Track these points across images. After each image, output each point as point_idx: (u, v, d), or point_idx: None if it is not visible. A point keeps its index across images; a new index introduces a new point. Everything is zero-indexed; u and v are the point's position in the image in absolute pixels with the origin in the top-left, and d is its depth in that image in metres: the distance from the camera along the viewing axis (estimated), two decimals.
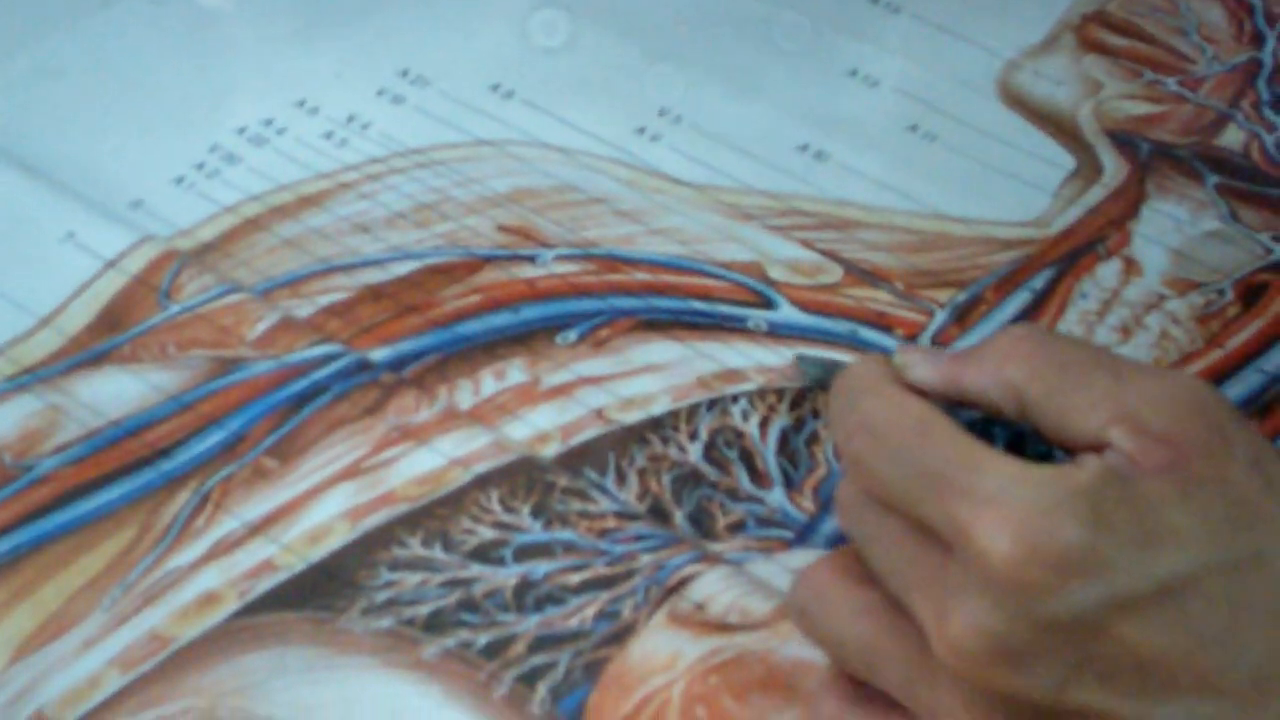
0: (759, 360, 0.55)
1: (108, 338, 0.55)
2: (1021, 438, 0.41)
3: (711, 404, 0.54)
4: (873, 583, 0.42)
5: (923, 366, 0.43)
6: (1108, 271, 0.59)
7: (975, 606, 0.39)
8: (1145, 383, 0.41)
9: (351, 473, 0.52)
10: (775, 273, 0.58)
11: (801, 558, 0.50)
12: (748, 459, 0.52)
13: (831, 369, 0.43)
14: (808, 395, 0.54)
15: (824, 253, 0.59)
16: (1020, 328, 0.43)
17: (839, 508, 0.43)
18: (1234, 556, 0.39)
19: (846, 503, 0.42)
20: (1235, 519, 0.39)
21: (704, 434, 0.53)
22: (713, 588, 0.49)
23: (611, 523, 0.51)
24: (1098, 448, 0.40)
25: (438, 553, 0.50)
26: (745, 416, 0.54)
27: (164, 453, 0.52)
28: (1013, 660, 0.39)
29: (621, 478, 0.52)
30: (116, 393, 0.54)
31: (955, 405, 0.42)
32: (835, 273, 0.58)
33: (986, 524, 0.38)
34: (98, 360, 0.55)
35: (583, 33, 0.67)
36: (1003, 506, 0.38)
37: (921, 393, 0.42)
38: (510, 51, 0.66)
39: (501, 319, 0.56)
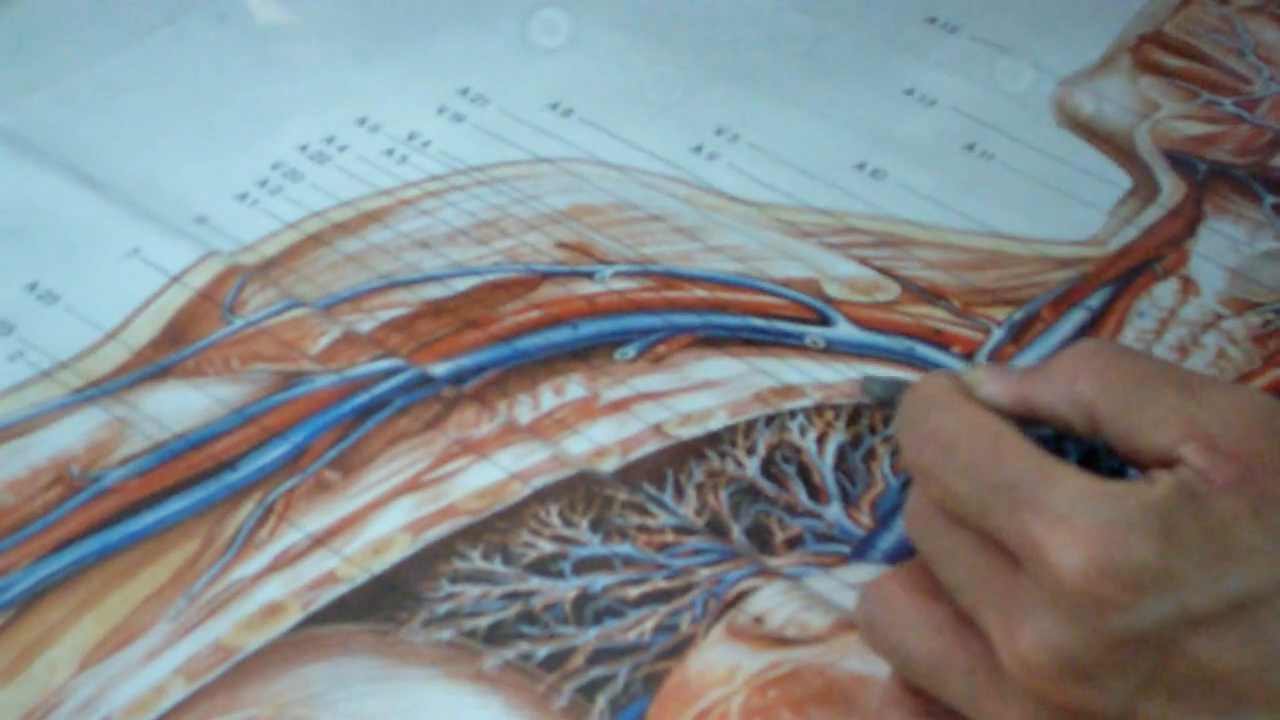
0: (816, 376, 0.56)
1: (172, 351, 0.56)
2: (1094, 454, 0.41)
3: (769, 420, 0.54)
4: (940, 596, 0.42)
5: (992, 384, 0.43)
6: (1165, 291, 0.59)
7: (1046, 622, 0.39)
8: (1216, 398, 0.40)
9: (413, 486, 0.52)
10: (832, 290, 0.59)
11: (859, 573, 0.50)
12: (805, 474, 0.53)
13: (898, 389, 0.44)
14: (864, 411, 0.54)
15: (881, 270, 0.59)
16: (1090, 343, 0.43)
17: (907, 520, 0.43)
18: None
19: (915, 516, 0.43)
20: None
21: (762, 449, 0.53)
22: (771, 602, 0.49)
23: (670, 537, 0.51)
24: (1169, 463, 0.40)
25: (498, 565, 0.50)
26: (803, 432, 0.54)
27: (228, 465, 0.53)
28: (1082, 676, 0.39)
29: (680, 492, 0.52)
30: (181, 406, 0.54)
31: (1026, 422, 0.42)
32: (892, 290, 0.59)
33: (1059, 539, 0.39)
34: (162, 374, 0.55)
35: (640, 52, 0.67)
36: (1075, 522, 0.39)
37: (992, 411, 0.42)
38: (569, 70, 0.66)
39: (561, 334, 0.57)
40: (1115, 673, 0.39)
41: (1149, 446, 0.40)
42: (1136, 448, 0.41)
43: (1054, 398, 0.42)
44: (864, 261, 0.59)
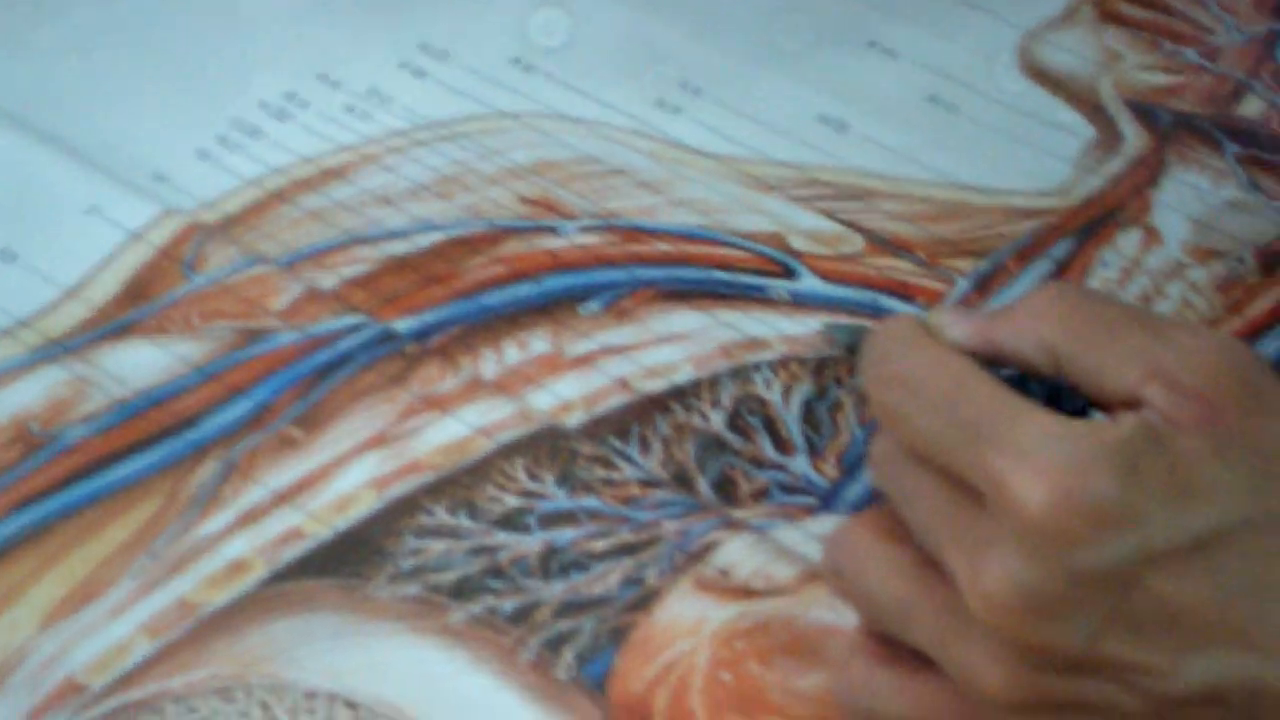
0: (781, 329, 0.55)
1: (133, 309, 0.56)
2: (1058, 394, 0.41)
3: (734, 373, 0.54)
4: (905, 540, 0.42)
5: (957, 326, 0.43)
6: (1128, 240, 0.59)
7: (1009, 558, 0.39)
8: (1180, 339, 0.41)
9: (377, 442, 0.52)
10: (797, 243, 0.58)
11: (826, 524, 0.50)
12: (771, 427, 0.53)
13: (862, 334, 0.44)
14: (829, 364, 0.54)
15: (845, 223, 0.59)
16: (1054, 285, 0.44)
17: (872, 463, 0.43)
18: (1267, 512, 0.39)
19: (880, 458, 0.43)
20: (1268, 474, 0.39)
21: (727, 402, 0.53)
22: (737, 554, 0.49)
23: (635, 490, 0.51)
24: (1133, 404, 0.40)
25: (463, 520, 0.50)
26: (768, 385, 0.54)
27: (190, 422, 0.52)
28: (1046, 612, 0.39)
29: (645, 446, 0.52)
30: (142, 363, 0.54)
31: (992, 363, 0.42)
32: (856, 243, 0.58)
33: (1021, 477, 0.39)
34: (123, 331, 0.55)
35: (603, 7, 0.67)
36: (1038, 459, 0.39)
37: (957, 351, 0.42)
38: (531, 24, 0.66)
39: (524, 289, 0.57)
40: (1078, 608, 0.39)
41: (1112, 387, 0.40)
42: (1100, 388, 0.41)
43: (1018, 339, 0.42)
44: (828, 214, 0.59)
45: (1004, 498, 0.39)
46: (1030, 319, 0.42)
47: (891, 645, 0.43)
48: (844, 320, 0.55)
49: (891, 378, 0.42)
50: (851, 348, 0.44)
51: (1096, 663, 0.39)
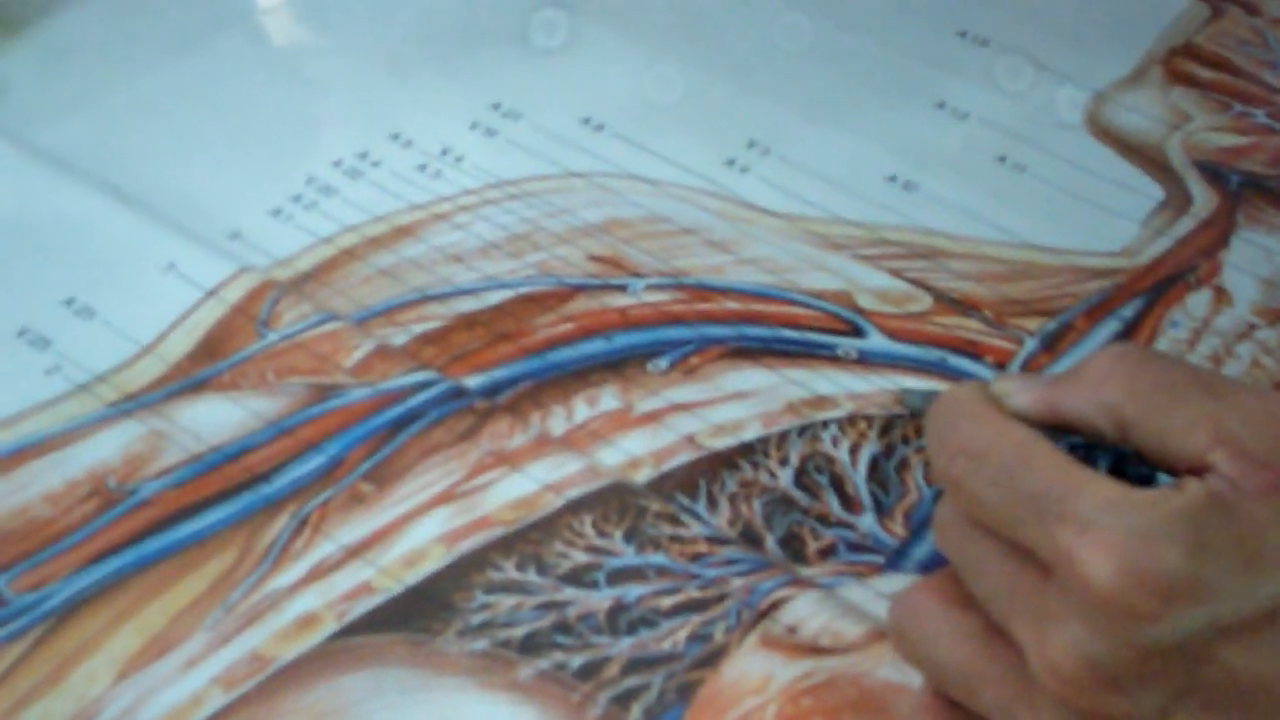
0: (849, 387, 0.56)
1: (208, 365, 0.56)
2: (1123, 460, 0.41)
3: (802, 430, 0.54)
4: (971, 606, 0.42)
5: (1021, 394, 0.42)
6: (1198, 301, 0.59)
7: (1077, 631, 0.39)
8: (1244, 402, 0.40)
9: (447, 497, 0.52)
10: (864, 301, 0.59)
11: (893, 582, 0.50)
12: (838, 484, 0.53)
13: (933, 401, 0.44)
14: (897, 422, 0.54)
15: (913, 281, 0.59)
16: (1117, 346, 0.43)
17: (937, 530, 0.43)
18: None
19: (945, 526, 0.43)
20: None
21: (795, 460, 0.54)
22: (804, 611, 0.49)
23: (703, 547, 0.51)
24: (1199, 469, 0.40)
25: (532, 576, 0.50)
26: (835, 443, 0.54)
27: (263, 477, 0.53)
28: (1115, 685, 0.39)
29: (713, 503, 0.52)
30: (217, 419, 0.55)
31: (1056, 430, 0.42)
32: (925, 301, 0.59)
33: (1088, 549, 0.38)
34: (198, 387, 0.56)
35: (672, 66, 0.68)
36: (1104, 531, 0.38)
37: (1021, 420, 0.42)
38: (601, 85, 0.67)
39: (594, 346, 0.57)
40: (1147, 682, 0.39)
41: (1178, 452, 0.40)
42: (1166, 453, 0.41)
43: (1082, 404, 0.42)
44: (896, 273, 0.60)
45: (1070, 570, 0.39)
46: (1094, 383, 0.42)
47: (956, 707, 0.43)
48: (917, 386, 0.55)
49: (956, 449, 0.41)
50: (922, 413, 0.44)
51: None
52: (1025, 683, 0.40)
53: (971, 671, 0.42)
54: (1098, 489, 0.39)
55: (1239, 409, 0.40)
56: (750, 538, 0.51)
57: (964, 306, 0.58)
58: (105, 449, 0.54)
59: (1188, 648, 0.38)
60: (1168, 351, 0.57)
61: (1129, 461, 0.41)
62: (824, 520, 0.52)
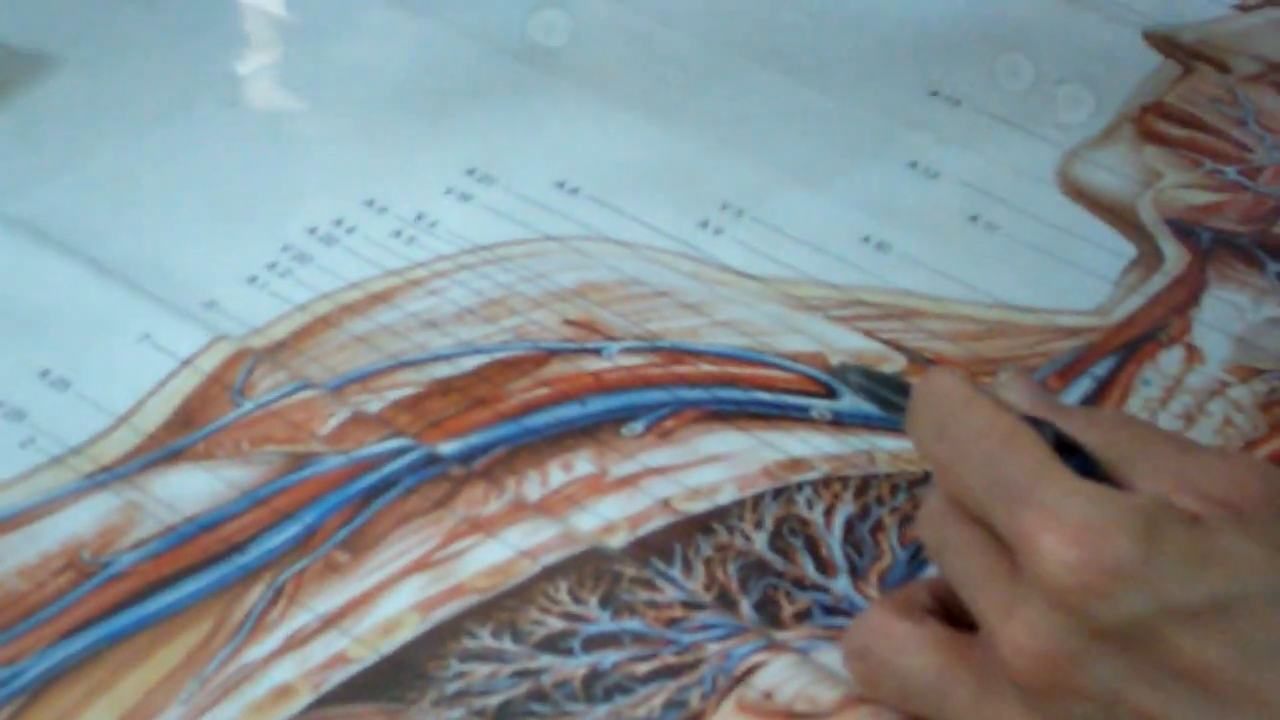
0: (823, 449, 0.56)
1: (183, 435, 0.56)
2: (1094, 469, 0.43)
3: (777, 493, 0.54)
4: (931, 616, 0.45)
5: (1018, 394, 0.46)
6: (1170, 359, 0.59)
7: (1037, 609, 0.41)
8: (1210, 459, 0.43)
9: (422, 565, 0.52)
10: (838, 363, 0.59)
11: None
12: (813, 547, 0.53)
13: (877, 378, 0.47)
14: (873, 483, 0.55)
15: (887, 342, 0.59)
16: (1109, 409, 0.49)
17: (922, 518, 0.45)
18: None
19: (929, 513, 0.45)
20: None
21: (769, 523, 0.54)
22: (780, 676, 0.49)
23: (679, 612, 0.51)
24: None
25: (507, 644, 0.50)
26: (810, 505, 0.54)
27: (238, 547, 0.53)
28: (1071, 662, 0.41)
29: (688, 567, 0.52)
30: (192, 489, 0.55)
31: (1040, 422, 0.44)
32: (898, 362, 0.59)
33: (1046, 533, 0.41)
34: (173, 457, 0.56)
35: (643, 128, 0.68)
36: (1064, 517, 0.41)
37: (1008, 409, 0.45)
38: (575, 149, 0.67)
39: (569, 411, 0.57)
40: (1100, 661, 0.41)
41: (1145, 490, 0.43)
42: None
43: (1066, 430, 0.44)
44: (870, 334, 0.60)
45: (1030, 552, 0.41)
46: (1080, 427, 0.44)
47: None
48: (851, 361, 0.57)
49: (944, 432, 0.44)
50: (868, 392, 0.48)
51: (1123, 716, 0.41)
52: (992, 681, 0.42)
53: (942, 676, 0.44)
54: (1064, 480, 0.42)
55: (1204, 463, 0.43)
56: (726, 602, 0.51)
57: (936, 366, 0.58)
58: (80, 521, 0.54)
59: (1138, 629, 0.40)
60: (1143, 414, 0.57)
61: (1098, 471, 0.43)
62: (799, 584, 0.52)
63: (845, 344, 0.59)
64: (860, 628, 0.46)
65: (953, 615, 0.46)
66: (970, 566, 0.43)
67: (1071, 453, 0.43)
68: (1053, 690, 0.41)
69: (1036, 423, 0.44)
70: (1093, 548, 0.40)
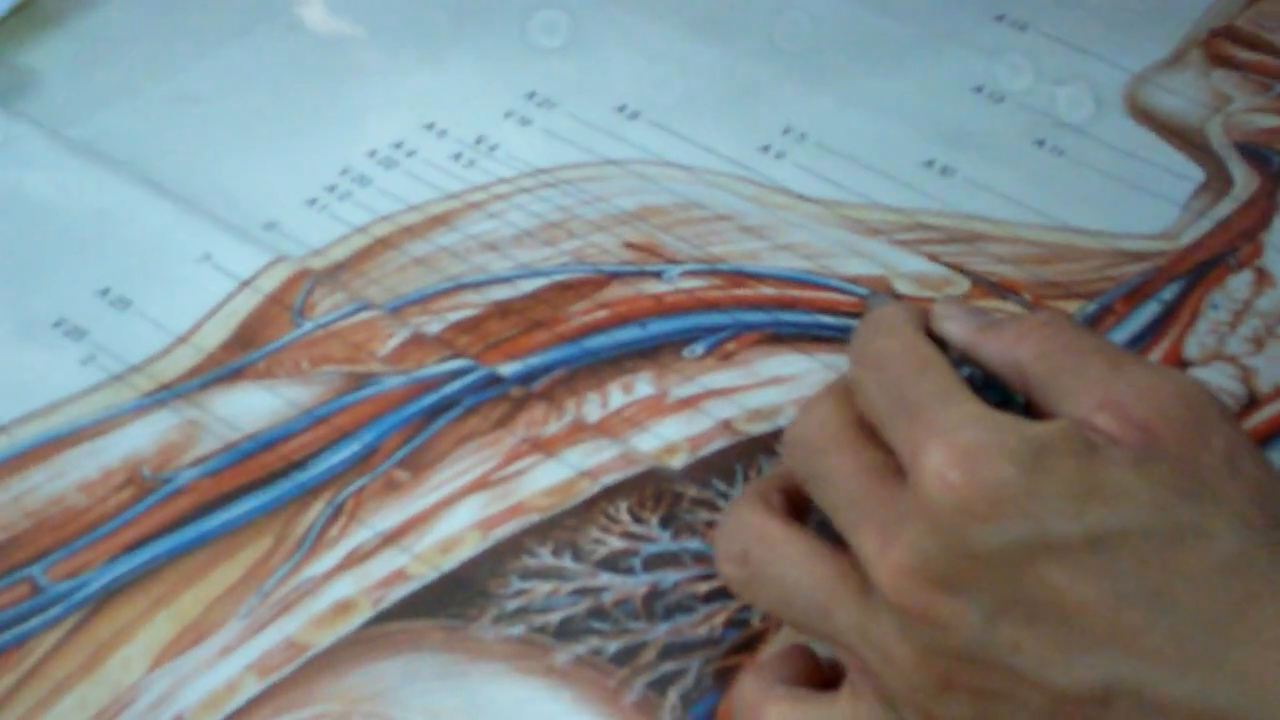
0: None
1: (243, 355, 0.56)
2: (1009, 404, 0.43)
3: None
4: (801, 526, 0.44)
5: (952, 321, 0.45)
6: (1239, 283, 0.58)
7: (914, 530, 0.40)
8: (1140, 374, 0.42)
9: (482, 484, 0.52)
10: (901, 286, 0.58)
11: None
12: None
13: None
14: None
15: (950, 266, 0.59)
16: (1043, 314, 0.46)
17: (792, 445, 0.45)
18: (1175, 524, 0.40)
19: (795, 441, 0.44)
20: (1185, 490, 0.40)
21: None
22: None
23: None
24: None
25: (567, 562, 0.50)
26: None
27: (299, 465, 0.53)
28: (944, 586, 0.40)
29: None
30: (252, 407, 0.55)
31: (965, 361, 0.44)
32: (962, 285, 0.58)
33: (935, 450, 0.40)
34: (234, 376, 0.56)
35: (705, 53, 0.67)
36: (954, 437, 0.40)
37: (940, 342, 0.44)
38: (636, 73, 0.66)
39: (628, 333, 0.57)
40: (974, 587, 0.40)
41: (1067, 411, 0.42)
42: (1056, 411, 0.42)
43: (996, 354, 0.44)
44: (933, 258, 0.59)
45: (916, 469, 0.41)
46: (1011, 339, 0.44)
47: (786, 666, 0.45)
48: (883, 295, 0.57)
49: (866, 355, 0.44)
50: None
51: (994, 646, 0.40)
52: (872, 599, 0.42)
53: (821, 589, 0.43)
54: (965, 406, 0.41)
55: (1132, 379, 0.42)
56: None
57: (1002, 290, 0.58)
58: (140, 438, 0.54)
59: (1011, 558, 0.40)
60: (1211, 338, 0.56)
61: (1013, 407, 0.43)
62: None
63: (908, 267, 0.59)
64: (734, 530, 0.45)
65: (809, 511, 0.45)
66: (849, 494, 0.43)
67: (988, 389, 0.43)
68: (927, 616, 0.40)
69: (960, 362, 0.44)
70: (975, 470, 0.40)
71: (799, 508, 0.45)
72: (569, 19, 0.69)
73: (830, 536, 0.44)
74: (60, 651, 0.48)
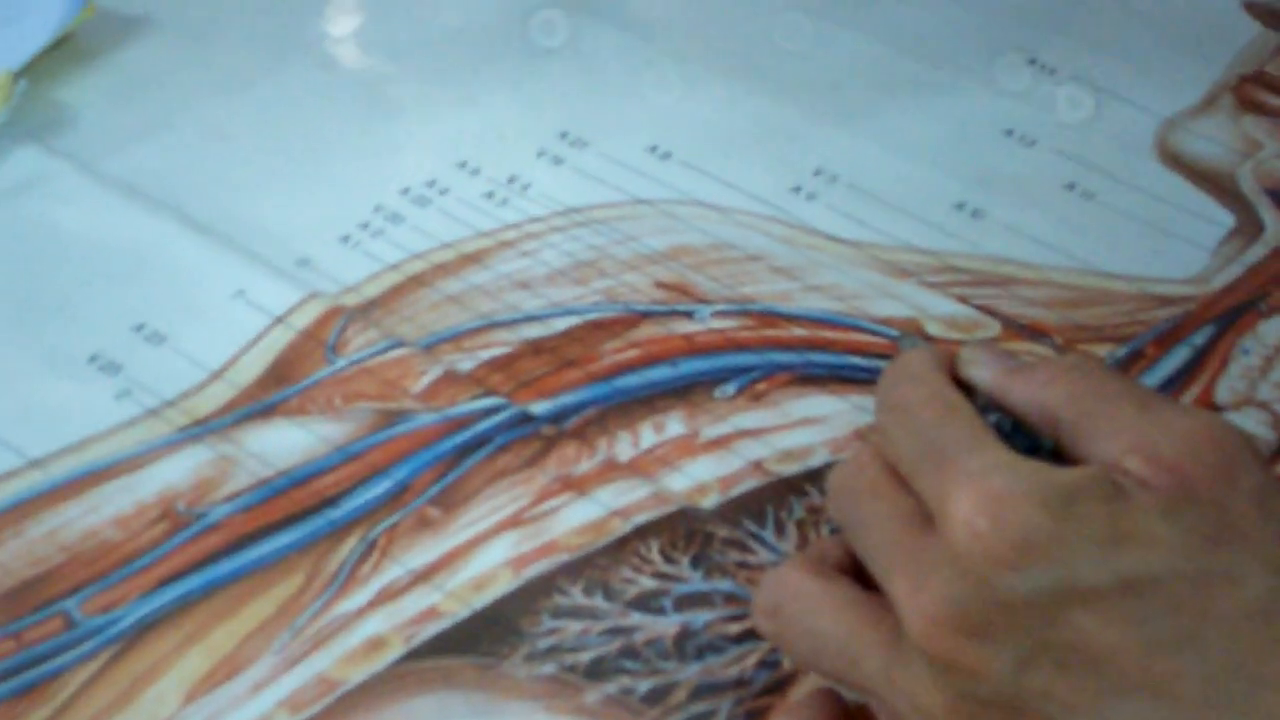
0: None
1: (277, 390, 0.57)
2: (1038, 451, 0.43)
3: None
4: (843, 576, 0.44)
5: (979, 367, 0.45)
6: (1270, 328, 0.58)
7: (944, 579, 0.40)
8: (1170, 417, 0.42)
9: (514, 522, 0.52)
10: (932, 328, 0.58)
11: None
12: None
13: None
14: None
15: (981, 308, 0.59)
16: (1073, 357, 0.47)
17: (833, 493, 0.45)
18: (1205, 569, 0.40)
19: (838, 488, 0.45)
20: (1216, 536, 0.40)
21: None
22: None
23: None
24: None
25: (599, 601, 0.50)
26: None
27: (331, 501, 0.53)
28: (974, 633, 0.40)
29: (780, 529, 0.52)
30: (285, 443, 0.55)
31: (992, 407, 0.44)
32: (993, 328, 0.58)
33: (962, 498, 0.40)
34: (267, 412, 0.56)
35: (737, 94, 0.68)
36: (983, 484, 0.40)
37: (966, 388, 0.45)
38: (668, 113, 0.67)
39: (660, 373, 0.57)
40: (1004, 635, 0.40)
41: (1097, 455, 0.42)
42: (1087, 455, 0.42)
43: (1024, 398, 0.44)
44: (964, 300, 0.59)
45: (944, 517, 0.41)
46: (1042, 383, 0.44)
47: (835, 696, 0.45)
48: (914, 336, 0.57)
49: (892, 402, 0.44)
50: None
51: (1024, 694, 0.40)
52: (902, 647, 0.42)
53: (852, 638, 0.43)
54: (993, 453, 0.42)
55: (1163, 422, 0.42)
56: None
57: (1032, 333, 0.58)
58: (175, 473, 0.54)
59: (1041, 605, 0.40)
60: (1242, 383, 0.56)
61: (1041, 454, 0.43)
62: None
63: (939, 309, 0.59)
64: (771, 585, 0.45)
65: (865, 576, 0.45)
66: (883, 541, 0.43)
67: (1017, 435, 0.43)
68: (957, 663, 0.40)
69: (988, 409, 0.44)
70: (1003, 517, 0.40)
71: (844, 565, 0.45)
72: (601, 59, 0.69)
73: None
74: (94, 686, 0.48)
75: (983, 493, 0.40)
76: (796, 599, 0.44)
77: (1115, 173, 0.64)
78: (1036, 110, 0.67)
